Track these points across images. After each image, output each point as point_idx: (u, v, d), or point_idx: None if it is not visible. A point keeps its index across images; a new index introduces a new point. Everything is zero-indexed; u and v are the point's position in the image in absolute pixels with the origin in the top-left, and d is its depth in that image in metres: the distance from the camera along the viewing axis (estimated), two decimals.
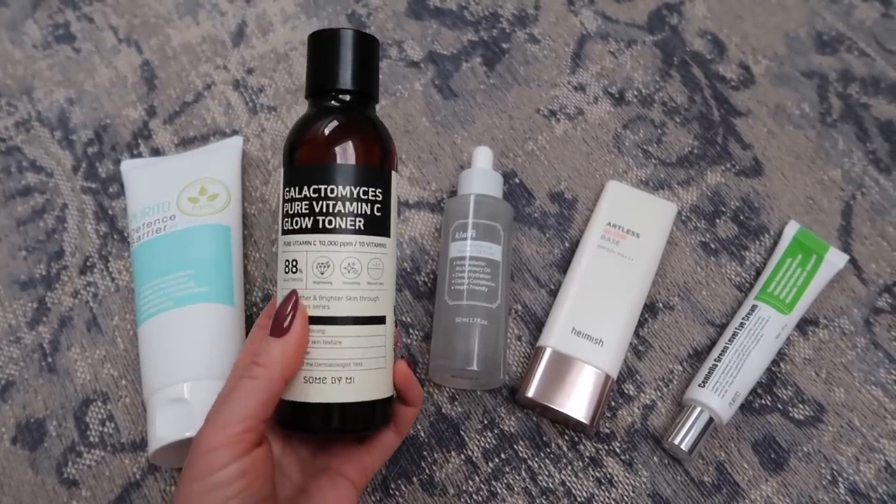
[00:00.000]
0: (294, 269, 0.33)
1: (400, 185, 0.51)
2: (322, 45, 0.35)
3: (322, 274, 0.32)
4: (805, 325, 0.47)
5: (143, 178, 0.48)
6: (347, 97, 0.35)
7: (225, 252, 0.45)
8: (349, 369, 0.32)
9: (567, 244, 0.49)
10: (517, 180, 0.51)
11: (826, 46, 0.56)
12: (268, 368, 0.30)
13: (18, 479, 0.43)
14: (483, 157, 0.47)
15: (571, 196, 0.51)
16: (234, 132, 0.53)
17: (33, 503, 0.43)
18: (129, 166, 0.50)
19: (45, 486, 0.43)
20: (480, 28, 0.57)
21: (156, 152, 0.53)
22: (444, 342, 0.42)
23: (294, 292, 0.32)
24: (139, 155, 0.53)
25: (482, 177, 0.46)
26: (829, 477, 0.43)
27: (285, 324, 0.31)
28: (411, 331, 0.47)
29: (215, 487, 0.28)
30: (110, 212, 0.51)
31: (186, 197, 0.46)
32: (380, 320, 0.33)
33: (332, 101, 0.35)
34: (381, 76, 0.55)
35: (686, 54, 0.56)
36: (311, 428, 0.33)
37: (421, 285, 0.48)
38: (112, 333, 0.47)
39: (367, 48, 0.35)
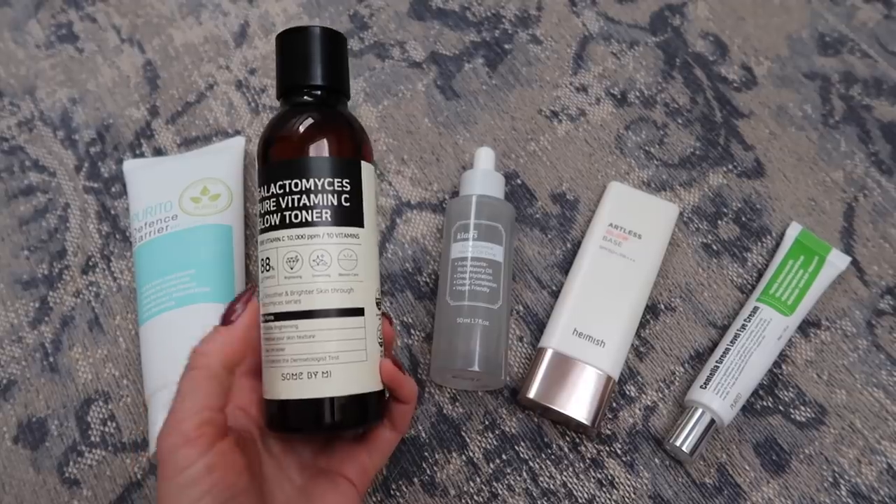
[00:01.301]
0: (268, 268, 0.33)
1: (401, 186, 0.51)
2: (285, 45, 0.35)
3: (292, 269, 0.32)
4: (807, 326, 0.47)
5: (145, 178, 0.48)
6: (318, 92, 0.35)
7: (227, 252, 0.45)
8: (325, 363, 0.31)
9: (569, 245, 0.49)
10: (519, 181, 0.51)
11: (828, 48, 0.56)
12: (207, 357, 0.30)
13: (20, 479, 0.43)
14: (485, 157, 0.47)
15: (573, 197, 0.51)
16: (237, 132, 0.53)
17: (34, 502, 0.43)
18: (131, 166, 0.50)
19: (47, 486, 0.43)
20: (483, 29, 0.57)
21: (158, 152, 0.53)
22: (445, 343, 0.42)
23: (251, 287, 0.33)
24: (141, 155, 0.53)
25: (484, 177, 0.46)
26: (830, 479, 0.42)
27: (233, 316, 0.31)
28: (413, 331, 0.47)
29: (186, 486, 0.28)
30: (112, 211, 0.51)
31: (188, 197, 0.46)
32: (357, 312, 0.33)
33: (304, 97, 0.35)
34: (383, 77, 0.55)
35: (688, 55, 0.56)
36: (292, 426, 0.32)
37: (422, 286, 0.48)
38: (114, 333, 0.47)
39: (333, 43, 0.35)
